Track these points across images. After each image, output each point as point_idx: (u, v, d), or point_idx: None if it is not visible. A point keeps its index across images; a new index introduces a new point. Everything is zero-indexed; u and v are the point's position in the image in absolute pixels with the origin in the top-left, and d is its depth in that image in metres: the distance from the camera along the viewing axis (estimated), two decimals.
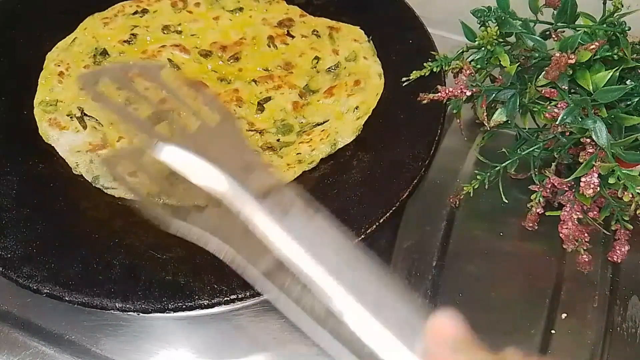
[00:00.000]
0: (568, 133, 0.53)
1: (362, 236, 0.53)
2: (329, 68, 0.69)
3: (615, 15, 0.54)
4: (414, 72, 0.63)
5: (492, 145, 0.61)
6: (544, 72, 0.54)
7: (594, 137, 0.51)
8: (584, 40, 0.54)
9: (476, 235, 0.61)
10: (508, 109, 0.57)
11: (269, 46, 0.71)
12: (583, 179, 0.51)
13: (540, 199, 0.56)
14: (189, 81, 0.55)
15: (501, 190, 0.57)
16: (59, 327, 0.55)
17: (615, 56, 0.53)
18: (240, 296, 0.50)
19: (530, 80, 0.56)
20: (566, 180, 0.54)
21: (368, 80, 0.67)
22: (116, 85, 0.49)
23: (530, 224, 0.57)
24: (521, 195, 0.59)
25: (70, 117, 0.63)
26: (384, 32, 0.71)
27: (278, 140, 0.63)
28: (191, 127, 0.46)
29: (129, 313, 0.49)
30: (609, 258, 0.56)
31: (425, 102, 0.59)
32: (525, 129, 0.59)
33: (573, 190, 0.54)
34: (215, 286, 0.50)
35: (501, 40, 0.58)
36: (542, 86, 0.54)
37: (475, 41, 0.58)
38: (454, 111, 0.61)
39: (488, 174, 0.57)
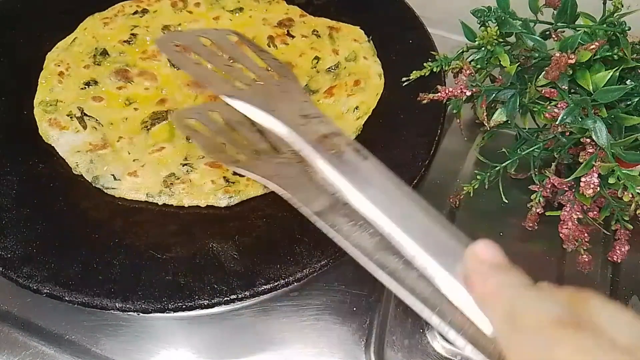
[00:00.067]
0: (568, 133, 0.54)
1: None
2: (329, 68, 0.69)
3: (615, 15, 0.54)
4: (414, 72, 0.63)
5: (492, 145, 0.61)
6: (544, 72, 0.54)
7: (594, 137, 0.51)
8: (584, 40, 0.54)
9: (476, 235, 0.61)
10: (508, 109, 0.57)
11: (269, 46, 0.71)
12: (583, 179, 0.51)
13: (540, 199, 0.56)
14: (253, 44, 0.62)
15: (501, 190, 0.57)
16: (59, 327, 0.55)
17: (615, 56, 0.53)
18: (240, 296, 0.50)
19: (530, 80, 0.56)
20: (566, 180, 0.54)
21: (368, 80, 0.67)
22: (190, 46, 0.57)
23: (530, 224, 0.57)
24: (521, 195, 0.59)
25: (70, 117, 0.63)
26: (384, 32, 0.71)
27: None
28: (256, 82, 0.54)
29: (129, 313, 0.49)
30: (609, 258, 0.56)
31: (425, 102, 0.59)
32: (525, 129, 0.59)
33: (573, 190, 0.54)
34: (215, 286, 0.50)
35: (501, 40, 0.58)
36: (542, 86, 0.54)
37: (475, 41, 0.58)
38: (454, 111, 0.61)
39: (488, 174, 0.57)
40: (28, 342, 0.54)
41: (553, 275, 0.58)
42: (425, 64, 0.63)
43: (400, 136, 0.61)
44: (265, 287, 0.50)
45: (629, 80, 0.54)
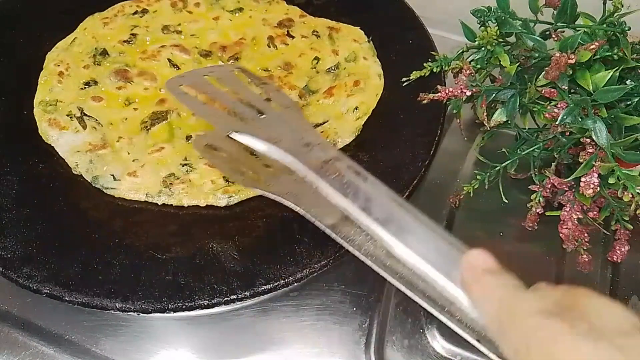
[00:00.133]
0: (568, 133, 0.53)
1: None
2: (329, 68, 0.69)
3: (615, 15, 0.54)
4: (414, 72, 0.63)
5: (492, 145, 0.61)
6: (544, 72, 0.54)
7: (594, 137, 0.51)
8: (584, 40, 0.54)
9: (476, 235, 0.61)
10: (508, 109, 0.57)
11: (269, 46, 0.71)
12: (583, 179, 0.51)
13: (540, 199, 0.56)
14: (256, 77, 0.65)
15: (501, 190, 0.57)
16: (59, 327, 0.55)
17: (615, 56, 0.53)
18: (240, 296, 0.50)
19: (530, 80, 0.56)
20: (566, 180, 0.54)
21: (368, 80, 0.67)
22: (197, 88, 0.61)
23: (530, 224, 0.57)
24: (521, 195, 0.59)
25: (70, 117, 0.63)
26: (384, 32, 0.71)
27: None
28: (259, 116, 0.58)
29: (129, 313, 0.49)
30: (609, 258, 0.56)
31: (425, 102, 0.59)
32: (525, 129, 0.59)
33: (573, 190, 0.54)
34: (215, 286, 0.50)
35: (501, 40, 0.58)
36: (542, 86, 0.54)
37: (475, 41, 0.58)
38: (454, 111, 0.61)
39: (488, 174, 0.57)
40: (28, 342, 0.54)
41: (553, 275, 0.58)
42: (425, 64, 0.63)
43: (400, 136, 0.61)
44: (265, 287, 0.50)
45: (629, 80, 0.54)
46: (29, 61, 0.68)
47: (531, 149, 0.56)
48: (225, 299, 0.50)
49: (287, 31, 0.73)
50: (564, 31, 0.58)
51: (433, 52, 0.66)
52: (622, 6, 0.54)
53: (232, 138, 0.54)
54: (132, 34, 0.71)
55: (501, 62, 0.57)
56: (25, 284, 0.50)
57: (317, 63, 0.70)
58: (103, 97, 0.65)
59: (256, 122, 0.57)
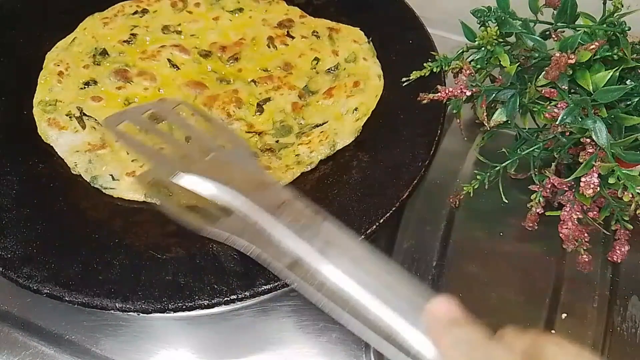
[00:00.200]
0: (568, 133, 0.54)
1: (362, 236, 0.53)
2: (329, 69, 0.69)
3: (615, 15, 0.54)
4: (414, 72, 0.63)
5: (492, 145, 0.61)
6: (544, 72, 0.54)
7: (594, 137, 0.51)
8: (584, 40, 0.54)
9: (476, 235, 0.61)
10: (508, 109, 0.57)
11: (269, 47, 0.71)
12: (583, 179, 0.51)
13: (540, 199, 0.56)
14: (203, 113, 0.61)
15: (501, 190, 0.57)
16: (59, 327, 0.55)
17: (615, 56, 0.53)
18: (240, 296, 0.50)
19: (530, 80, 0.56)
20: (566, 180, 0.54)
21: (367, 81, 0.67)
22: (137, 125, 0.57)
23: (530, 224, 0.57)
24: (521, 195, 0.59)
25: (70, 117, 0.63)
26: (384, 32, 0.71)
27: (277, 141, 0.63)
28: (207, 155, 0.52)
29: (129, 313, 0.49)
30: (609, 258, 0.56)
31: (425, 102, 0.59)
32: (525, 129, 0.59)
33: (573, 190, 0.54)
34: (215, 286, 0.50)
35: (501, 40, 0.58)
36: (542, 86, 0.54)
37: (475, 41, 0.58)
38: (454, 111, 0.61)
39: (488, 174, 0.57)
40: (28, 342, 0.54)
41: (553, 275, 0.58)
42: (425, 64, 0.63)
43: (400, 136, 0.61)
44: (265, 287, 0.50)
45: (629, 80, 0.54)
46: (29, 61, 0.68)
47: (531, 149, 0.56)
48: (225, 299, 0.49)
49: (287, 31, 0.73)
50: (564, 31, 0.58)
51: (433, 52, 0.66)
52: (622, 6, 0.54)
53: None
54: (132, 34, 0.71)
55: (501, 62, 0.57)
56: (25, 284, 0.50)
57: (316, 64, 0.70)
58: (102, 97, 0.65)
59: (203, 162, 0.52)
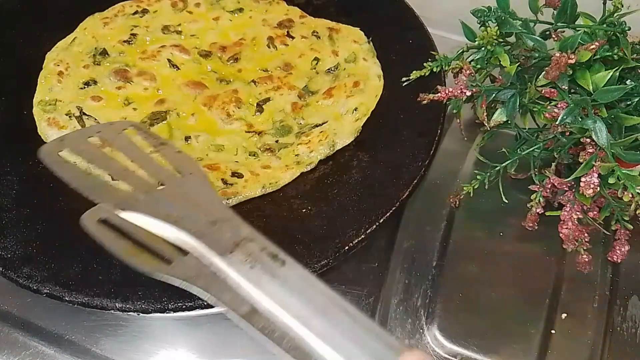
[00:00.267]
0: (568, 133, 0.54)
1: (362, 236, 0.53)
2: (329, 69, 0.69)
3: (615, 15, 0.55)
4: (414, 72, 0.63)
5: (492, 145, 0.61)
6: (544, 72, 0.54)
7: (594, 137, 0.51)
8: (584, 40, 0.54)
9: (476, 235, 0.61)
10: (508, 109, 0.57)
11: (269, 47, 0.71)
12: (583, 179, 0.51)
13: (540, 199, 0.56)
14: (153, 137, 0.54)
15: (501, 190, 0.57)
16: (59, 327, 0.55)
17: (615, 56, 0.53)
18: None
19: (530, 80, 0.56)
20: (566, 180, 0.54)
21: (367, 81, 0.67)
22: (79, 155, 0.51)
23: (530, 224, 0.57)
24: (521, 195, 0.59)
25: (69, 117, 0.63)
26: (384, 32, 0.71)
27: (277, 141, 0.63)
28: (155, 186, 0.47)
29: (129, 313, 0.49)
30: (609, 258, 0.56)
31: (425, 102, 0.59)
32: (525, 129, 0.59)
33: (573, 190, 0.54)
34: None
35: (501, 40, 0.58)
36: (542, 86, 0.54)
37: (475, 41, 0.58)
38: (454, 111, 0.61)
39: (488, 174, 0.57)
40: (28, 342, 0.54)
41: (553, 275, 0.58)
42: (425, 64, 0.63)
43: (400, 136, 0.61)
44: None
45: (629, 80, 0.54)
46: (29, 61, 0.68)
47: (531, 149, 0.56)
48: None
49: (287, 32, 0.73)
50: (564, 31, 0.58)
51: (433, 52, 0.66)
52: (622, 6, 0.54)
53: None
54: (132, 34, 0.71)
55: (501, 62, 0.57)
56: (25, 284, 0.50)
57: (316, 64, 0.70)
58: (102, 96, 0.65)
59: (152, 195, 0.46)
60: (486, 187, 0.57)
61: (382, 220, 0.54)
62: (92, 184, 0.49)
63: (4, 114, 0.63)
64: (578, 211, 0.54)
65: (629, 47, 0.53)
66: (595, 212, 0.55)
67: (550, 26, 0.58)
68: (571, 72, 0.53)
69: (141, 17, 0.73)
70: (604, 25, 0.55)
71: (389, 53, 0.70)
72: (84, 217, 0.47)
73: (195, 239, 0.42)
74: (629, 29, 0.54)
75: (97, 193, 0.47)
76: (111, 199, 0.46)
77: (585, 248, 0.54)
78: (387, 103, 0.65)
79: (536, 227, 0.57)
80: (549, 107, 0.54)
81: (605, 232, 0.56)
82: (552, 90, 0.53)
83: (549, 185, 0.56)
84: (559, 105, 0.53)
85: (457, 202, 0.61)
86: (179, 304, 0.49)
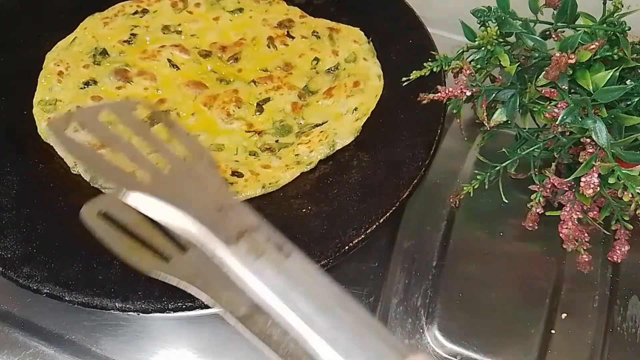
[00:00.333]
0: (568, 133, 0.54)
1: (362, 236, 0.53)
2: (329, 69, 0.69)
3: (615, 15, 0.54)
4: (414, 72, 0.63)
5: (492, 145, 0.61)
6: (544, 72, 0.54)
7: (594, 137, 0.51)
8: (584, 40, 0.54)
9: (476, 235, 0.61)
10: (508, 109, 0.57)
11: (269, 47, 0.71)
12: (583, 179, 0.51)
13: (540, 199, 0.56)
14: (161, 116, 0.53)
15: (501, 190, 0.57)
16: (59, 327, 0.55)
17: (615, 56, 0.53)
18: None
19: (530, 80, 0.56)
20: (566, 180, 0.54)
21: (367, 81, 0.67)
22: (86, 130, 0.48)
23: (530, 224, 0.57)
24: (521, 195, 0.59)
25: None
26: (384, 32, 0.71)
27: (277, 141, 0.63)
28: (163, 168, 0.45)
29: (129, 313, 0.49)
30: (609, 258, 0.56)
31: (425, 102, 0.59)
32: (525, 129, 0.59)
33: (573, 190, 0.54)
34: None
35: (501, 40, 0.58)
36: (542, 86, 0.54)
37: (475, 41, 0.58)
38: (454, 111, 0.61)
39: (488, 174, 0.57)
40: (28, 342, 0.54)
41: (553, 275, 0.58)
42: (425, 64, 0.63)
43: (400, 136, 0.61)
44: None
45: (629, 80, 0.54)
46: (29, 61, 0.68)
47: (531, 149, 0.56)
48: None
49: (287, 32, 0.72)
50: (564, 31, 0.58)
51: (433, 52, 0.66)
52: (622, 6, 0.54)
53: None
54: (132, 34, 0.71)
55: (501, 62, 0.57)
56: (25, 284, 0.50)
57: (316, 64, 0.70)
58: (102, 96, 0.65)
59: (159, 177, 0.44)
60: (486, 187, 0.57)
61: (382, 220, 0.54)
62: (98, 162, 0.46)
63: (4, 114, 0.63)
64: (578, 211, 0.54)
65: (629, 47, 0.53)
66: (595, 212, 0.55)
67: (550, 26, 0.58)
68: (571, 72, 0.53)
69: (141, 17, 0.73)
70: (604, 25, 0.55)
71: (389, 53, 0.69)
72: (84, 209, 0.47)
73: (200, 224, 0.40)
74: (629, 29, 0.54)
75: (103, 171, 0.45)
76: (117, 178, 0.43)
77: (585, 248, 0.54)
78: (387, 103, 0.65)
79: (536, 227, 0.57)
80: (549, 107, 0.54)
81: (605, 232, 0.56)
82: (552, 90, 0.53)
83: (549, 185, 0.56)
84: (559, 105, 0.53)
85: (457, 202, 0.61)
86: (179, 304, 0.49)
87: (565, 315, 0.55)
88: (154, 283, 0.50)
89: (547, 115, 0.54)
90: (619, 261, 0.56)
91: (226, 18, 0.74)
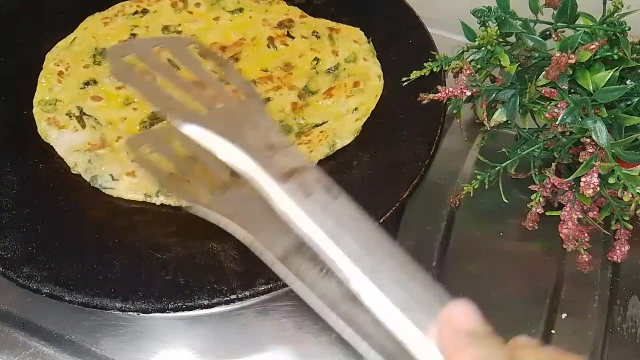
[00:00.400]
0: (568, 133, 0.53)
1: None
2: (329, 69, 0.69)
3: (615, 15, 0.54)
4: (414, 72, 0.63)
5: (492, 145, 0.61)
6: (544, 72, 0.54)
7: (594, 137, 0.51)
8: (584, 40, 0.54)
9: (476, 235, 0.61)
10: (508, 109, 0.57)
11: (269, 47, 0.71)
12: (583, 179, 0.51)
13: (540, 199, 0.56)
14: (215, 57, 0.54)
15: (501, 190, 0.57)
16: (59, 327, 0.55)
17: (615, 56, 0.53)
18: (240, 296, 0.50)
19: (530, 80, 0.56)
20: (566, 180, 0.54)
21: (367, 81, 0.67)
22: (144, 61, 0.49)
23: (530, 224, 0.57)
24: (521, 195, 0.59)
25: (69, 117, 0.63)
26: (384, 32, 0.71)
27: None
28: (216, 104, 0.46)
29: (129, 313, 0.49)
30: (609, 258, 0.56)
31: (425, 102, 0.59)
32: (525, 129, 0.59)
33: (573, 190, 0.54)
34: (215, 286, 0.50)
35: (501, 40, 0.58)
36: (542, 86, 0.54)
37: (475, 41, 0.58)
38: (454, 111, 0.61)
39: (488, 174, 0.57)
40: (28, 342, 0.54)
41: (553, 275, 0.58)
42: (425, 64, 0.63)
43: (400, 136, 0.61)
44: (265, 287, 0.50)
45: (629, 80, 0.54)
46: (29, 61, 0.68)
47: (531, 149, 0.56)
48: (225, 298, 0.49)
49: (287, 32, 0.73)
50: (564, 31, 0.58)
51: (433, 52, 0.66)
52: (622, 6, 0.54)
53: (179, 132, 0.43)
54: (132, 34, 0.71)
55: (501, 62, 0.57)
56: (25, 284, 0.50)
57: (316, 64, 0.70)
58: (102, 96, 0.65)
59: (213, 111, 0.45)
60: (486, 187, 0.57)
61: (382, 220, 0.54)
62: (151, 90, 0.47)
63: (4, 114, 0.63)
64: (578, 211, 0.54)
65: (629, 47, 0.53)
66: (595, 212, 0.55)
67: (550, 26, 0.58)
68: (571, 72, 0.53)
69: (141, 17, 0.73)
70: (604, 25, 0.55)
71: (389, 53, 0.69)
72: (129, 139, 0.49)
73: (253, 159, 0.40)
74: (629, 29, 0.54)
75: (161, 103, 0.46)
76: (174, 110, 0.44)
77: (585, 248, 0.54)
78: (387, 103, 0.65)
79: (536, 227, 0.57)
80: (549, 107, 0.54)
81: (605, 232, 0.56)
82: (552, 90, 0.53)
83: (549, 185, 0.56)
84: (559, 105, 0.53)
85: (457, 202, 0.61)
86: (179, 304, 0.49)
87: (565, 315, 0.55)
88: (154, 283, 0.50)
89: (547, 115, 0.54)
90: (619, 261, 0.56)
91: (226, 18, 0.74)
